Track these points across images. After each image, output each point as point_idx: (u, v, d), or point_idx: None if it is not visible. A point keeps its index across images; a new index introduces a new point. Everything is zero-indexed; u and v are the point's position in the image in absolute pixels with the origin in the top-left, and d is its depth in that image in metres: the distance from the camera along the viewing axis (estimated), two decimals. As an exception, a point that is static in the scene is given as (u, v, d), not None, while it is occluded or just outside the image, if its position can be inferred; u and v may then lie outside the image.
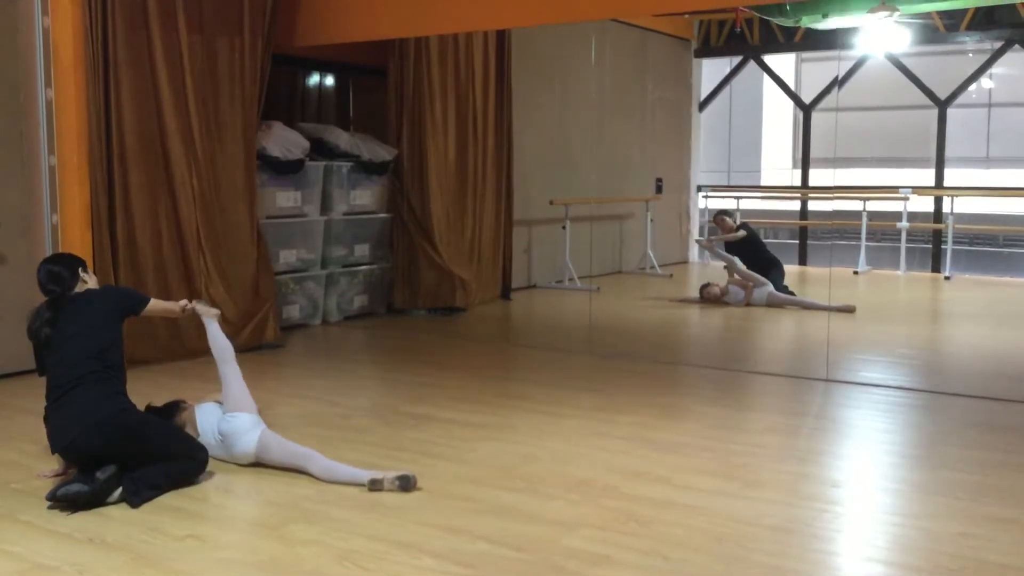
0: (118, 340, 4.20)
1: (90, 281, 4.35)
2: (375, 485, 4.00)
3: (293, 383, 6.28)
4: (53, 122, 6.27)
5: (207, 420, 4.37)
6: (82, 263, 4.41)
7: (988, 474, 4.31)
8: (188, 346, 6.73)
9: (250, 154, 7.24)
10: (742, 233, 9.82)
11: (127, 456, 3.93)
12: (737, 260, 9.67)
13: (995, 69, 12.65)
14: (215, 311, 4.73)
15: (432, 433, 4.93)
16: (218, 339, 4.57)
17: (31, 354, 6.21)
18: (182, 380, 5.89)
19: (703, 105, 13.97)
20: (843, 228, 12.80)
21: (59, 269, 4.28)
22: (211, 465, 4.22)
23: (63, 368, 4.04)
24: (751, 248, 9.81)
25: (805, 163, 13.10)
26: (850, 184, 13.95)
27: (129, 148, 6.45)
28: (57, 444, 4.00)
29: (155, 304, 4.45)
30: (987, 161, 17.08)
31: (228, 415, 4.36)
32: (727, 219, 10.01)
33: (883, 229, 12.78)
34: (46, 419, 4.09)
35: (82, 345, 4.06)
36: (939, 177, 12.24)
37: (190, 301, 4.61)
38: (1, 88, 6.08)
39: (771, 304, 9.35)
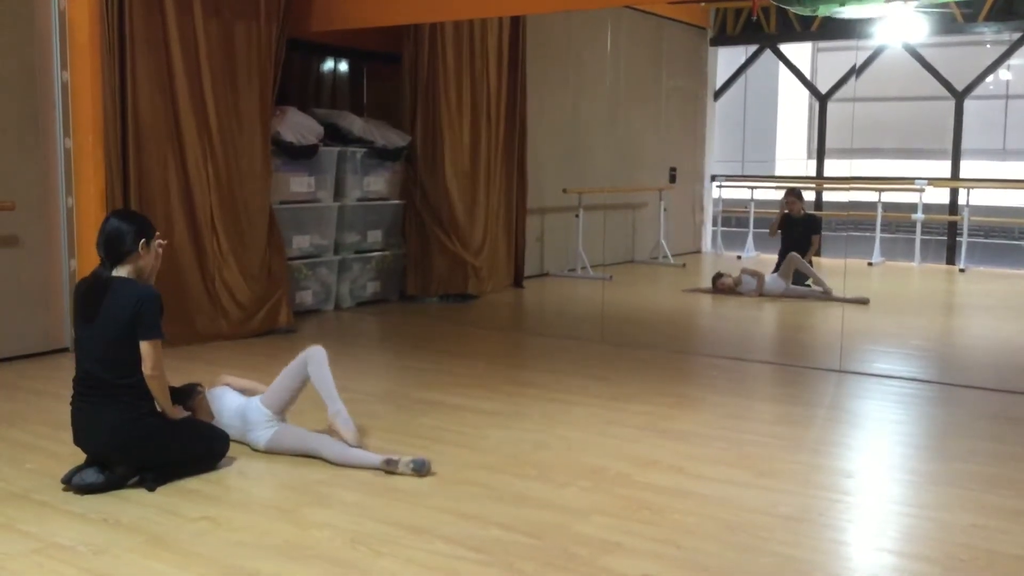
0: (136, 353, 3.81)
1: (145, 258, 3.91)
2: (390, 465, 4.01)
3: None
4: (69, 105, 6.30)
5: (224, 405, 4.36)
6: (146, 233, 3.92)
7: (1001, 466, 4.30)
8: (199, 330, 6.76)
9: (264, 139, 7.24)
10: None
11: (144, 463, 3.91)
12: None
13: (1013, 60, 12.54)
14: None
15: (444, 419, 4.94)
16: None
17: (46, 336, 6.33)
18: (192, 363, 5.90)
19: (718, 94, 13.91)
20: (858, 219, 12.74)
21: (123, 225, 3.89)
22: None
23: (84, 361, 3.87)
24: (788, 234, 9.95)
25: (820, 153, 13.04)
26: (865, 175, 13.89)
27: (144, 131, 6.45)
28: (75, 441, 3.96)
29: (157, 356, 3.83)
30: (1003, 153, 16.96)
31: (256, 405, 4.32)
32: (799, 202, 10.09)
33: (898, 221, 12.72)
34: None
35: (102, 352, 3.81)
36: (955, 169, 12.18)
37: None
38: (17, 70, 6.10)
39: (784, 295, 9.33)
